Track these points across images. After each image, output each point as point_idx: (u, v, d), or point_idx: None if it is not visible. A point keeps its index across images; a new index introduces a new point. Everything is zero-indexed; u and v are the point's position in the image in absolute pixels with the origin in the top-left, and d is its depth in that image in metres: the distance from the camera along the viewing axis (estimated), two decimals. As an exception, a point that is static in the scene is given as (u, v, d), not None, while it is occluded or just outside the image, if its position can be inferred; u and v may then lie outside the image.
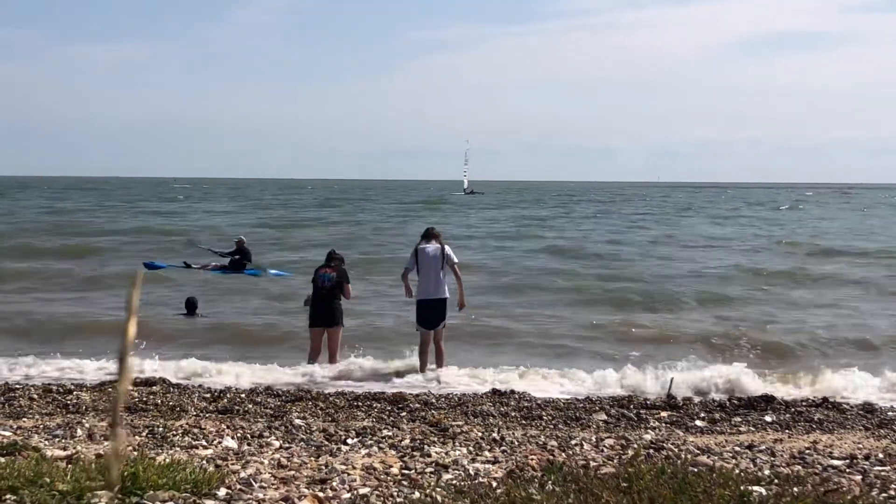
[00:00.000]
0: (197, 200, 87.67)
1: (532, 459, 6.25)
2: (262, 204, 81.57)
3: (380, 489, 5.31)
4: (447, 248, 12.51)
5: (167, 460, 5.42)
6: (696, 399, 9.86)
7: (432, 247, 12.42)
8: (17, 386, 10.14)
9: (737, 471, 5.59)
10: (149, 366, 12.11)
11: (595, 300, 20.32)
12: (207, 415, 8.43)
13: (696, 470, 5.29)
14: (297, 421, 7.89)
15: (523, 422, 8.44)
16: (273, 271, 24.63)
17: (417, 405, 9.07)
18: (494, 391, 10.16)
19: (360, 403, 9.16)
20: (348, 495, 5.16)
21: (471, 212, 68.92)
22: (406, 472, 5.80)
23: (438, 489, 5.18)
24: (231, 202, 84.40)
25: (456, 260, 12.62)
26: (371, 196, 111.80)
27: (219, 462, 5.93)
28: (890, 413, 9.24)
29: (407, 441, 6.87)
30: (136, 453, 5.75)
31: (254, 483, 5.33)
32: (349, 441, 6.88)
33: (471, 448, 6.68)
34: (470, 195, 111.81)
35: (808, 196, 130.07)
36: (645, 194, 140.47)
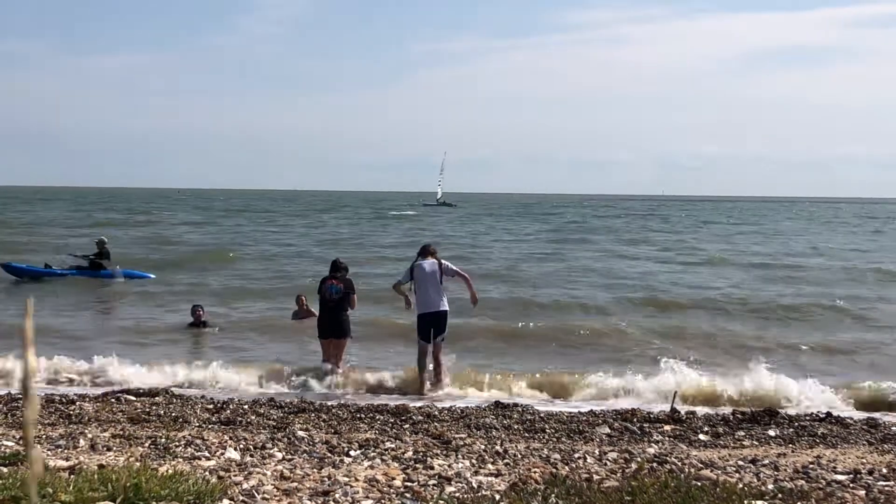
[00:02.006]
0: (166, 210, 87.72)
1: (535, 472, 6.23)
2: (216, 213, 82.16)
3: (382, 501, 5.31)
4: (444, 262, 12.64)
5: (170, 471, 5.43)
6: (700, 413, 9.84)
7: (429, 263, 12.52)
8: (20, 396, 10.15)
9: (740, 485, 5.58)
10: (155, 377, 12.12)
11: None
12: (210, 426, 8.42)
13: (699, 484, 5.28)
14: (300, 433, 7.89)
15: (526, 435, 8.42)
16: (130, 272, 25.00)
17: (420, 417, 9.06)
18: (497, 404, 10.15)
19: (362, 415, 9.15)
20: (351, 507, 5.16)
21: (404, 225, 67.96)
22: (409, 484, 5.79)
23: (441, 502, 5.18)
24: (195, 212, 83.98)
25: (456, 268, 12.84)
26: (348, 206, 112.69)
27: (221, 473, 5.93)
28: (894, 428, 9.21)
29: (410, 453, 6.86)
30: (138, 464, 5.74)
31: (256, 495, 5.33)
32: (352, 453, 6.88)
33: (474, 461, 6.66)
34: (442, 206, 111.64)
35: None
36: (626, 207, 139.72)
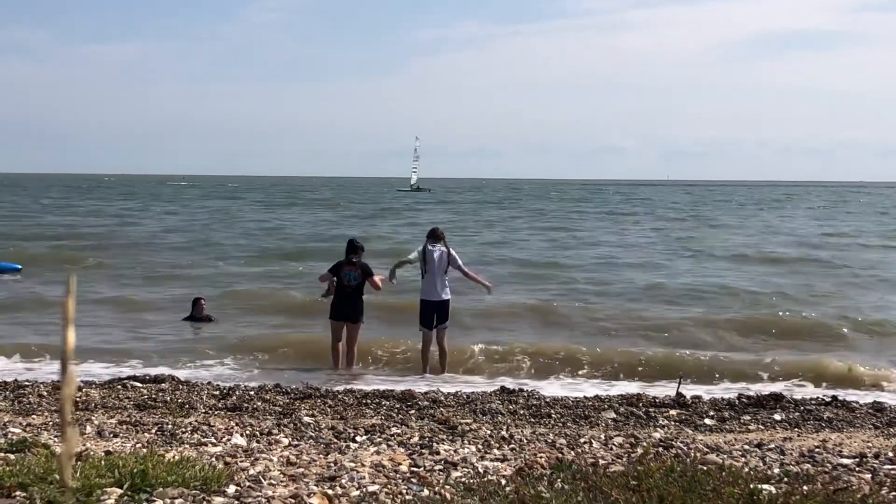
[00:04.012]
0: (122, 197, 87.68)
1: (541, 457, 6.24)
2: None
3: (389, 487, 5.31)
4: (453, 251, 12.69)
5: (176, 457, 5.44)
6: (706, 397, 9.84)
7: (438, 250, 12.58)
8: (27, 383, 10.17)
9: (746, 469, 5.58)
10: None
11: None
12: (216, 412, 8.44)
13: (705, 468, 5.27)
14: (306, 418, 7.90)
15: (532, 420, 8.43)
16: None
17: (426, 403, 9.08)
18: (503, 389, 10.16)
19: (368, 401, 9.17)
20: (357, 493, 5.16)
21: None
22: (415, 469, 5.80)
23: (447, 487, 5.18)
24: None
25: (461, 262, 12.88)
26: (322, 192, 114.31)
27: (228, 459, 5.94)
28: (900, 412, 9.20)
29: (416, 439, 6.87)
30: (145, 450, 5.76)
31: (263, 480, 5.34)
32: (358, 438, 6.89)
33: (480, 446, 6.67)
34: (416, 191, 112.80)
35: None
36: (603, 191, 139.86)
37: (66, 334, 1.56)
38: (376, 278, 12.77)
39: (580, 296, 20.43)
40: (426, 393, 9.87)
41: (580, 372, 12.85)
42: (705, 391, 10.81)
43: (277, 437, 6.93)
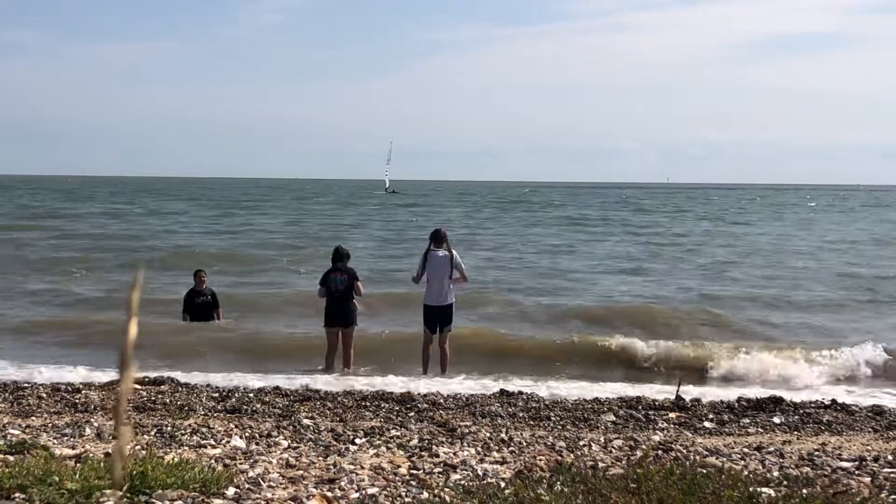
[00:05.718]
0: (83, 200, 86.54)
1: (540, 460, 6.24)
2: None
3: (388, 489, 5.32)
4: (455, 254, 12.71)
5: (176, 459, 5.44)
6: (705, 400, 9.83)
7: (441, 253, 12.61)
8: (26, 385, 10.17)
9: (745, 472, 5.58)
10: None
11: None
12: (216, 414, 8.43)
13: (704, 471, 5.27)
14: (306, 421, 7.90)
15: (531, 422, 8.43)
16: None
17: (425, 405, 9.07)
18: (503, 392, 10.15)
19: (368, 403, 9.16)
20: (357, 495, 5.17)
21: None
22: (414, 472, 5.80)
23: (447, 489, 5.18)
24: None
25: (464, 267, 12.92)
26: (306, 195, 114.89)
27: (227, 461, 5.94)
28: (899, 415, 9.19)
29: (415, 441, 6.87)
30: (144, 452, 5.76)
31: (262, 482, 5.34)
32: (357, 441, 6.89)
33: (479, 448, 6.67)
34: (391, 194, 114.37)
35: None
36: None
37: (128, 327, 1.55)
38: (361, 287, 12.96)
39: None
40: (425, 395, 9.86)
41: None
42: (704, 394, 10.80)
43: (277, 440, 6.92)
